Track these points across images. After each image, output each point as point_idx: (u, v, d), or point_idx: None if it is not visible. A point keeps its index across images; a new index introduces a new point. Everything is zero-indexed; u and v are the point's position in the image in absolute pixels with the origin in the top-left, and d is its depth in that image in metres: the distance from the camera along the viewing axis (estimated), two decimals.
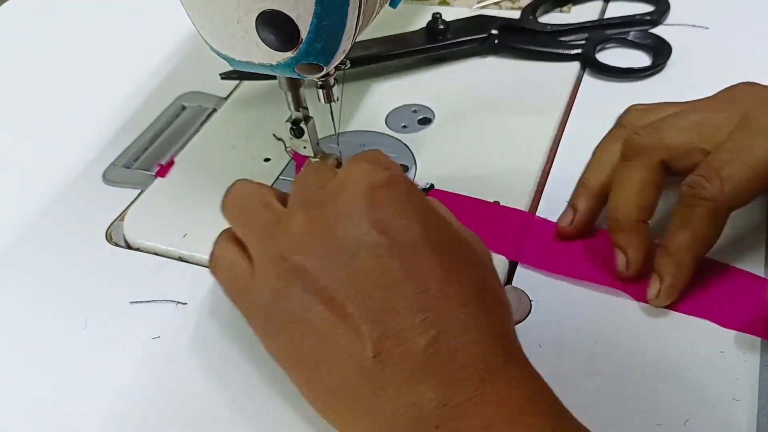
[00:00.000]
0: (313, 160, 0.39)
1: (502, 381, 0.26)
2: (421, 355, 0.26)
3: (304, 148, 0.37)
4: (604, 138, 0.39)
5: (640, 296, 0.34)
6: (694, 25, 0.51)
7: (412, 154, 0.43)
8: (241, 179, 0.34)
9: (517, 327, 0.33)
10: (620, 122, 0.39)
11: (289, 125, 0.36)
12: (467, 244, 0.30)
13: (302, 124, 0.36)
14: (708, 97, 0.36)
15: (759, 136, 0.32)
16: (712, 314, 0.33)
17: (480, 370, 0.26)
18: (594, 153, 0.39)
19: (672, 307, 0.33)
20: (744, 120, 0.33)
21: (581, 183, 0.37)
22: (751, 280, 0.34)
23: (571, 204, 0.37)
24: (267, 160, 0.45)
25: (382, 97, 0.48)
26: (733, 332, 0.32)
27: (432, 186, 0.40)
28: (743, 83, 0.36)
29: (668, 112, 0.36)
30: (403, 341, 0.26)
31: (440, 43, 0.50)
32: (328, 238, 0.28)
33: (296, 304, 0.28)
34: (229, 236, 0.33)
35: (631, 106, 0.39)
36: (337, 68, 0.34)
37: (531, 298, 0.34)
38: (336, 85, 0.35)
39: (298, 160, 0.40)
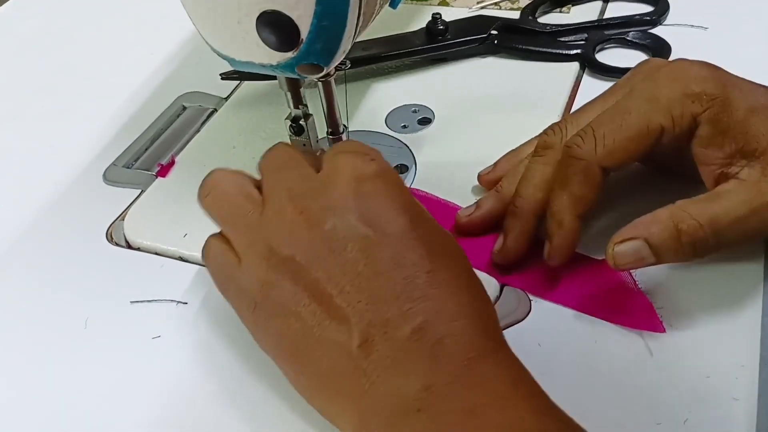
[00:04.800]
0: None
1: (486, 365, 0.26)
2: (406, 342, 0.26)
3: (304, 145, 0.37)
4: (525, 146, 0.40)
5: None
6: (693, 26, 0.51)
7: (412, 154, 0.43)
8: (217, 168, 0.33)
9: (517, 327, 0.33)
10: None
11: (288, 123, 0.36)
12: (449, 237, 0.30)
13: (302, 122, 0.36)
14: (613, 85, 0.37)
15: (636, 100, 0.33)
16: (581, 305, 0.34)
17: (465, 356, 0.26)
18: (510, 152, 0.40)
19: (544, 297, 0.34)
20: (630, 89, 0.34)
21: (495, 188, 0.38)
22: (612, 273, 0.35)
23: (478, 201, 0.38)
24: None
25: (382, 97, 0.48)
26: (732, 332, 0.32)
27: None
28: (639, 63, 0.37)
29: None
30: (388, 329, 0.26)
31: (440, 44, 0.50)
32: (318, 230, 0.29)
33: (286, 296, 0.28)
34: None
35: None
36: (337, 68, 0.34)
37: (530, 298, 0.35)
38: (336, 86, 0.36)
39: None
